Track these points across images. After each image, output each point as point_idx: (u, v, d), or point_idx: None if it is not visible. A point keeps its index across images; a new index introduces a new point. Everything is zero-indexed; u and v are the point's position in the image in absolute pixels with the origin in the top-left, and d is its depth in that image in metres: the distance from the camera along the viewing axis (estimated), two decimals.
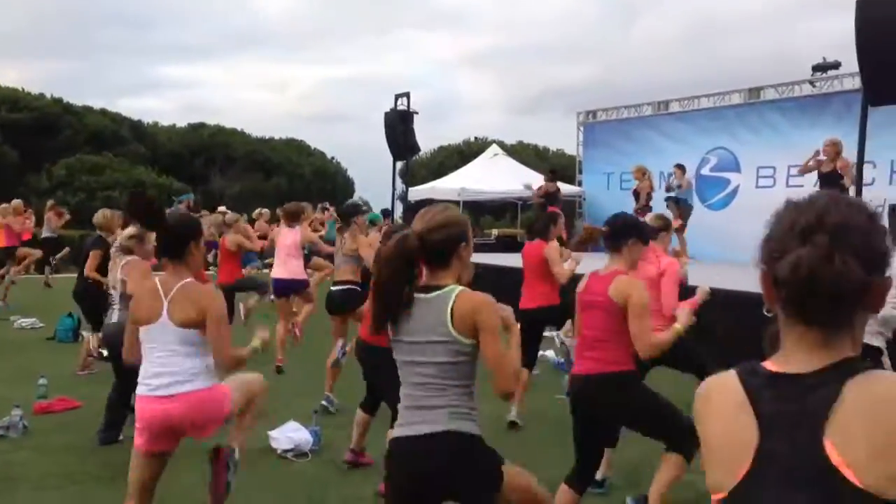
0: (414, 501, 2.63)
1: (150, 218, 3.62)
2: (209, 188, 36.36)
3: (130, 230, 5.82)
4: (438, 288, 2.58)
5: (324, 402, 6.45)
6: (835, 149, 9.90)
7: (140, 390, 3.54)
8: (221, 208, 17.98)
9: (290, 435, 5.49)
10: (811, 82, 14.70)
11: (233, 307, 8.98)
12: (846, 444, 1.18)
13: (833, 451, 1.19)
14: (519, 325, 2.79)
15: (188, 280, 3.53)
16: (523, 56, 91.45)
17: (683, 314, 3.93)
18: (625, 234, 3.89)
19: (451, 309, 2.51)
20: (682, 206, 12.53)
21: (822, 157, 10.17)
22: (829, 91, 14.08)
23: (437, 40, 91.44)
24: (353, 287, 6.83)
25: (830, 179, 9.71)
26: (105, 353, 7.15)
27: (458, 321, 2.50)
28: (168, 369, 3.48)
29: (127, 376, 5.55)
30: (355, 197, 41.72)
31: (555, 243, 6.55)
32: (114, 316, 5.73)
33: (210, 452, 3.86)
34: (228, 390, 3.65)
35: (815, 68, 15.27)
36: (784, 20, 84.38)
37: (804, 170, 10.56)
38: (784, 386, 1.28)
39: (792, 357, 1.31)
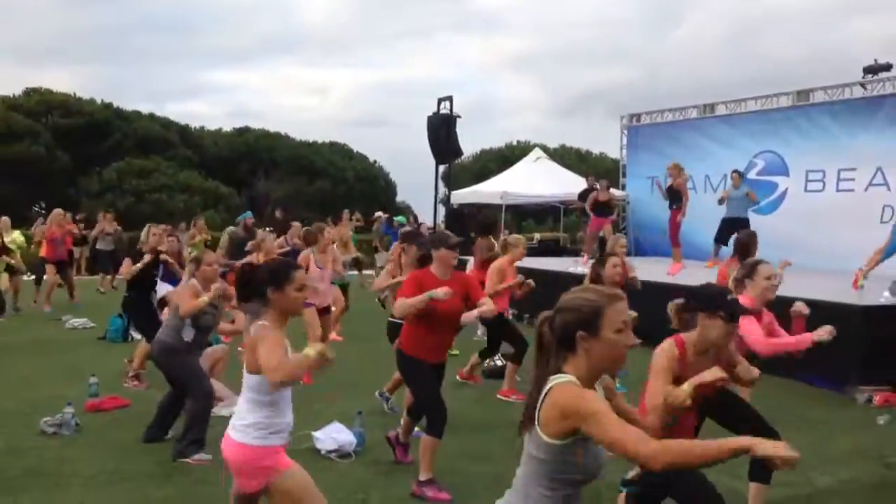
0: None
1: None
2: (254, 192, 36.84)
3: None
4: None
5: (379, 396, 6.69)
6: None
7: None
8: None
9: (333, 436, 5.54)
10: (862, 84, 14.35)
11: None
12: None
13: None
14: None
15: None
16: (563, 58, 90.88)
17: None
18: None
19: None
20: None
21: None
22: (881, 93, 13.74)
23: (475, 43, 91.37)
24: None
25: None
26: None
27: None
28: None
29: (181, 385, 5.65)
30: (398, 201, 41.96)
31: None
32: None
33: None
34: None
35: (867, 70, 14.89)
36: (832, 21, 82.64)
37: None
38: None
39: None
